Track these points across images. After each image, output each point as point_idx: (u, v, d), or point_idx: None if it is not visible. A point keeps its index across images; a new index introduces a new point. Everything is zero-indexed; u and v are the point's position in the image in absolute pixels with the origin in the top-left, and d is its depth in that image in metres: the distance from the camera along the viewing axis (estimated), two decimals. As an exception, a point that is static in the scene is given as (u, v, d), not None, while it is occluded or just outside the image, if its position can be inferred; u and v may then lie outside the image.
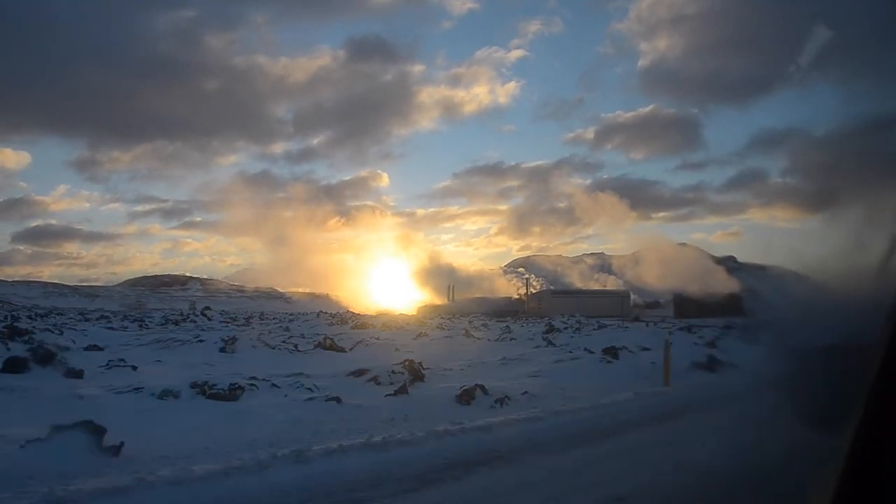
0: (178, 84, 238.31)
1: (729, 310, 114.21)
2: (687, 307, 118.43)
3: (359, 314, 70.03)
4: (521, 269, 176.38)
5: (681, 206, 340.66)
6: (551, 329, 39.52)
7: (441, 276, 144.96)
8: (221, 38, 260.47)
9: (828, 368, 3.37)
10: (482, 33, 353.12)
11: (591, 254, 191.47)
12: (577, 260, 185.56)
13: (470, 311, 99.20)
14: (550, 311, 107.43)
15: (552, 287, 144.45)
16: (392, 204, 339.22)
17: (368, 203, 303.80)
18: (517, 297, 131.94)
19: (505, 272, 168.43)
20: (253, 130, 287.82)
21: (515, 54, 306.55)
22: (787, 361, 4.48)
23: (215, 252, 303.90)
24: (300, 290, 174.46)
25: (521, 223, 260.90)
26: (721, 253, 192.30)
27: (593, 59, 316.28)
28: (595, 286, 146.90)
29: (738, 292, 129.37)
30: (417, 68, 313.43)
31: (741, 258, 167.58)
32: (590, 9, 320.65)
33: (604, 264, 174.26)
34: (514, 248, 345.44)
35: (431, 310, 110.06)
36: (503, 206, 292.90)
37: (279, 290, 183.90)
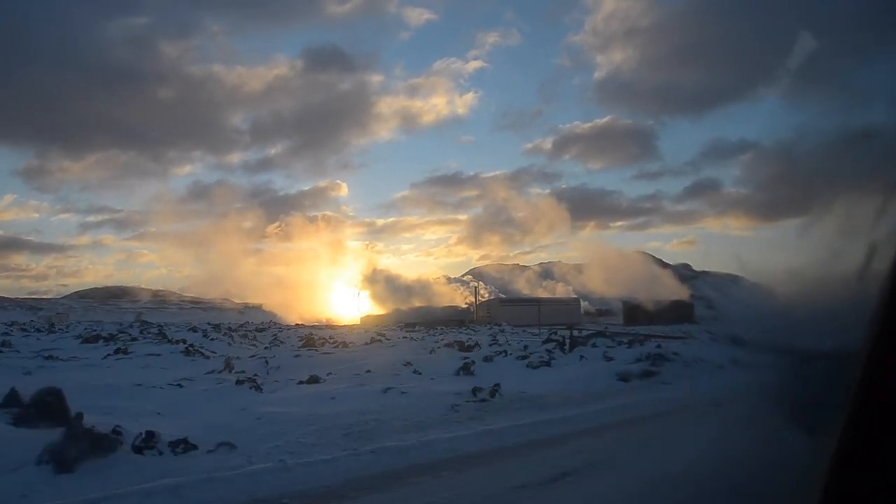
0: (131, 92, 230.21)
1: (679, 316, 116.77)
2: (636, 314, 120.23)
3: (291, 326, 68.72)
4: (467, 278, 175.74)
5: (638, 215, 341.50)
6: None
7: (387, 285, 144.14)
8: (176, 46, 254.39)
9: (812, 375, 3.54)
10: (440, 44, 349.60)
11: (550, 262, 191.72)
12: (527, 268, 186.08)
13: (412, 321, 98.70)
14: (499, 320, 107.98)
15: (502, 295, 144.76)
16: (351, 214, 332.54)
17: (328, 213, 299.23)
18: (465, 305, 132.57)
19: (449, 281, 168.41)
20: (209, 140, 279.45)
21: (473, 65, 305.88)
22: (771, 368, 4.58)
23: (172, 263, 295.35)
24: (253, 301, 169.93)
25: (480, 233, 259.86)
26: (679, 261, 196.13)
27: (551, 70, 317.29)
28: (545, 294, 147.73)
29: (688, 300, 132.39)
30: (375, 78, 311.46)
31: (703, 266, 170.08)
32: (547, 21, 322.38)
33: (546, 272, 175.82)
34: (475, 257, 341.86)
35: (375, 319, 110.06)
36: (462, 216, 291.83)
37: (235, 300, 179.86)
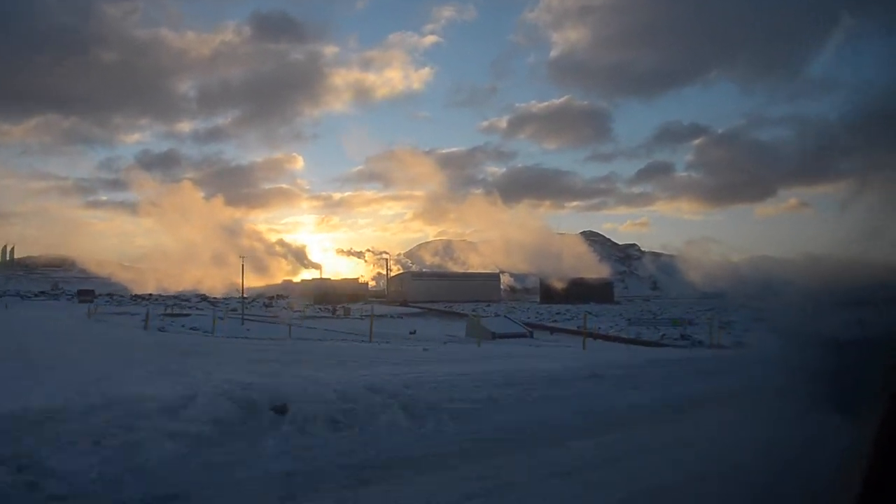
0: (71, 55, 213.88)
1: (599, 296, 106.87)
2: (551, 292, 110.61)
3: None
4: (383, 253, 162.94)
5: (592, 196, 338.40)
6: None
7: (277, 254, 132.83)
8: (119, 7, 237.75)
9: (853, 360, 3.38)
10: (395, 16, 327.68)
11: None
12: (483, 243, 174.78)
13: (304, 293, 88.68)
14: (412, 295, 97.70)
15: (415, 269, 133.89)
16: (307, 187, 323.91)
17: (283, 186, 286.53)
18: (366, 280, 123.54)
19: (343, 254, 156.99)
20: (157, 107, 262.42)
21: (429, 40, 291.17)
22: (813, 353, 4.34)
23: (123, 233, 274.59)
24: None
25: (435, 209, 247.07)
26: (635, 241, 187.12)
27: (506, 47, 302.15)
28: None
29: (609, 278, 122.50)
30: (328, 49, 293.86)
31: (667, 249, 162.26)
32: None
33: (447, 248, 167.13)
34: (431, 233, 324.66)
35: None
36: (418, 192, 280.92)
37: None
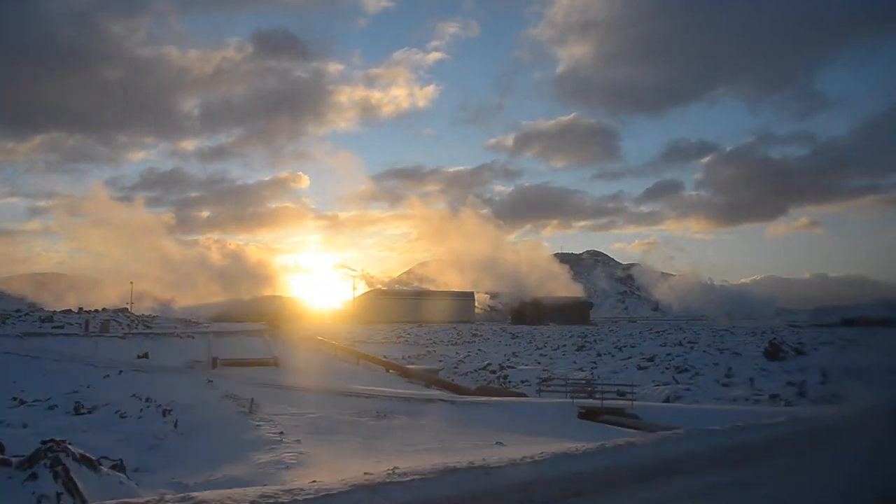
0: (75, 73, 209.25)
1: (574, 316, 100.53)
2: (523, 312, 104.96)
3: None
4: (350, 268, 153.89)
5: (601, 215, 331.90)
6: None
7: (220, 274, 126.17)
8: (122, 26, 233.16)
9: None
10: (399, 33, 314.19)
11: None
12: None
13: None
14: (377, 316, 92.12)
15: (380, 286, 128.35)
16: (313, 206, 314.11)
17: (289, 205, 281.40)
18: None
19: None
20: (161, 125, 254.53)
21: (434, 56, 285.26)
22: None
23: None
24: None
25: (438, 228, 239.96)
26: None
27: (511, 64, 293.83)
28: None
29: (586, 298, 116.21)
30: (332, 67, 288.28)
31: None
32: (507, 12, 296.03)
33: (430, 267, 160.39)
34: (438, 252, 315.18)
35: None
36: (424, 211, 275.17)
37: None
